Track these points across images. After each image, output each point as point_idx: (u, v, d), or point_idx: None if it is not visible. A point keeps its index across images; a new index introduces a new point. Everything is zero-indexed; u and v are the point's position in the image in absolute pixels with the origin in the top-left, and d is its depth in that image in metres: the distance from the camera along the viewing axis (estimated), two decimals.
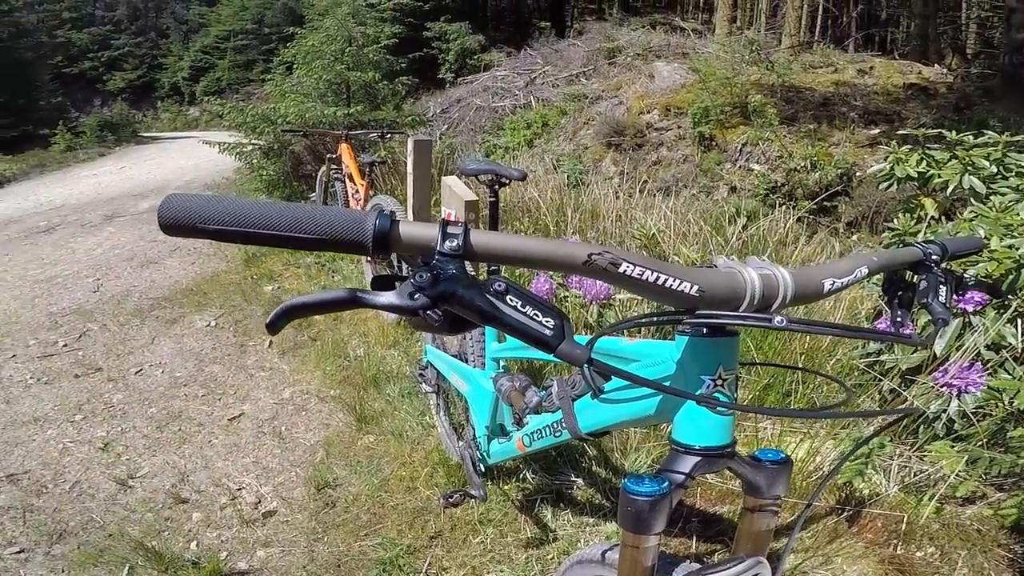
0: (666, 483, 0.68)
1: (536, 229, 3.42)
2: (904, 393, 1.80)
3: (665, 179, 5.43)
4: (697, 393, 0.68)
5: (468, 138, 8.03)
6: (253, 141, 5.86)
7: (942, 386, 1.61)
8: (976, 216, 1.98)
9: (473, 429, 1.59)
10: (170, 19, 37.23)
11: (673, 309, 0.63)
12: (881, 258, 0.74)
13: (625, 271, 0.56)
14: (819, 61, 7.69)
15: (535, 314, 0.53)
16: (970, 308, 1.71)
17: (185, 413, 2.40)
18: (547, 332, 0.54)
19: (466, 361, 1.67)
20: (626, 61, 8.74)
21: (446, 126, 8.82)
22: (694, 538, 1.59)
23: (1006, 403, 1.58)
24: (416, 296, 0.51)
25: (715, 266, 0.64)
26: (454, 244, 0.51)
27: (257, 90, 15.10)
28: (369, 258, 3.23)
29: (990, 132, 2.31)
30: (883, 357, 1.94)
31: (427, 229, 0.52)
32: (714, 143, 5.78)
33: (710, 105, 5.79)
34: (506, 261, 0.55)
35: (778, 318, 0.58)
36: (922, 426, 1.75)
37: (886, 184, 2.48)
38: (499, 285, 0.53)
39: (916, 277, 0.77)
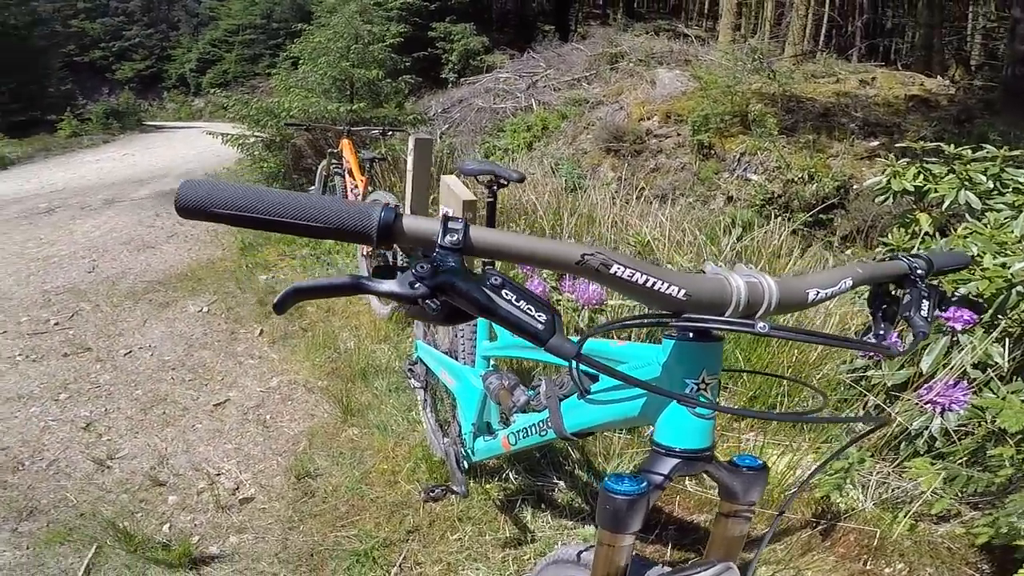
0: (645, 483, 0.69)
1: (532, 231, 3.42)
2: (888, 409, 1.80)
3: (662, 186, 5.43)
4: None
5: (468, 139, 8.03)
6: (256, 133, 5.89)
7: (926, 403, 1.59)
8: (970, 233, 1.98)
9: (459, 426, 1.58)
10: (181, 12, 37.42)
11: (661, 312, 0.64)
12: (866, 270, 0.75)
13: (616, 272, 0.58)
14: (821, 71, 7.67)
15: (528, 308, 0.55)
16: (958, 327, 1.68)
17: (171, 397, 2.40)
18: (539, 326, 0.55)
19: (456, 358, 1.67)
20: (628, 67, 8.73)
21: (447, 126, 8.82)
22: (669, 545, 1.59)
23: (988, 422, 1.57)
24: (416, 285, 0.53)
25: (703, 272, 0.65)
26: (454, 239, 0.53)
27: (262, 84, 15.11)
28: (365, 253, 3.23)
29: (989, 146, 2.30)
30: (869, 373, 1.93)
31: (429, 223, 0.54)
32: (713, 152, 5.78)
33: (710, 113, 5.78)
34: (503, 257, 0.57)
35: (760, 324, 0.59)
36: (903, 443, 1.75)
37: (882, 198, 2.48)
38: (496, 279, 0.55)
39: (900, 291, 0.78)
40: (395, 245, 0.56)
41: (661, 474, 0.70)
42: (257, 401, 2.39)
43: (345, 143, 3.68)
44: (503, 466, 1.89)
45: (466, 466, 1.56)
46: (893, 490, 1.68)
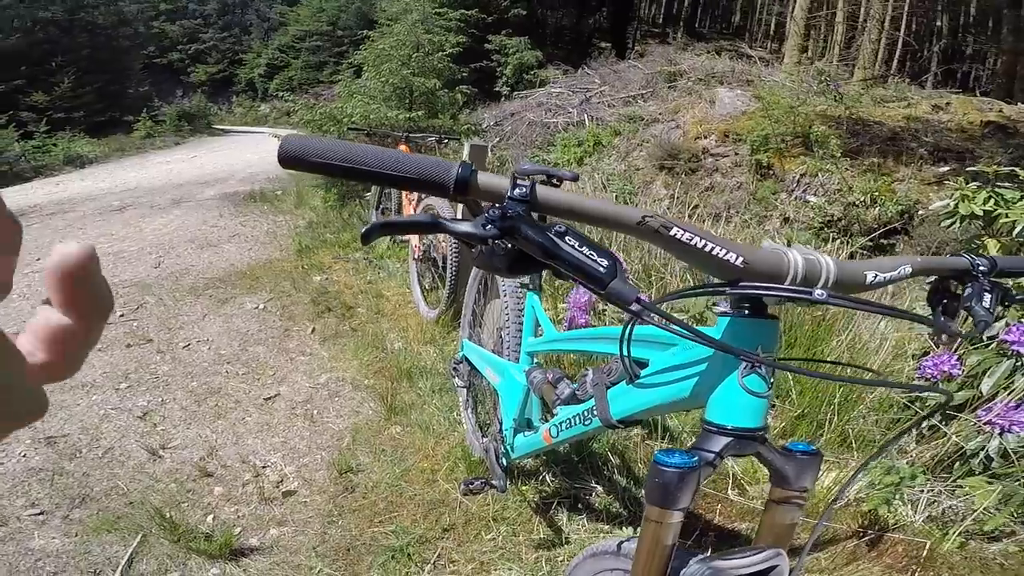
0: (695, 458, 0.70)
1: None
2: (944, 429, 1.74)
3: (717, 205, 5.33)
4: (734, 374, 0.69)
5: (519, 152, 8.09)
6: None
7: (985, 423, 1.59)
8: None
9: (500, 422, 1.60)
10: (254, 16, 39.04)
11: (720, 283, 0.66)
12: (926, 261, 0.74)
13: (675, 235, 0.61)
14: (892, 95, 7.42)
15: (591, 254, 0.58)
16: (1023, 350, 1.64)
17: (224, 389, 2.49)
18: (601, 270, 0.58)
19: (501, 355, 1.69)
20: (687, 85, 8.66)
21: (498, 138, 8.91)
22: (709, 551, 1.55)
23: None
24: (487, 227, 0.57)
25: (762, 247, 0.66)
26: (523, 191, 0.58)
27: (326, 91, 15.65)
28: (416, 256, 3.30)
29: None
30: (926, 394, 1.89)
31: (501, 179, 0.60)
32: (771, 172, 5.65)
33: (771, 133, 5.66)
34: (565, 214, 0.61)
35: (819, 291, 0.60)
36: (957, 462, 1.71)
37: (948, 222, 2.38)
38: (560, 227, 0.58)
39: (961, 287, 0.76)
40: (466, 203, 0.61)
41: (712, 451, 0.70)
42: (305, 396, 2.46)
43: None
44: (540, 468, 1.88)
45: (505, 463, 1.57)
46: (944, 509, 1.64)
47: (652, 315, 0.60)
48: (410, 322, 3.13)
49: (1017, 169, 2.31)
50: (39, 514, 1.73)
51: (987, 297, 0.73)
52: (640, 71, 10.26)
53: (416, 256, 3.31)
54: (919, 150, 5.57)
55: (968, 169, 2.77)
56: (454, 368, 2.00)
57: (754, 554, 0.72)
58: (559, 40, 15.30)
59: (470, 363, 1.91)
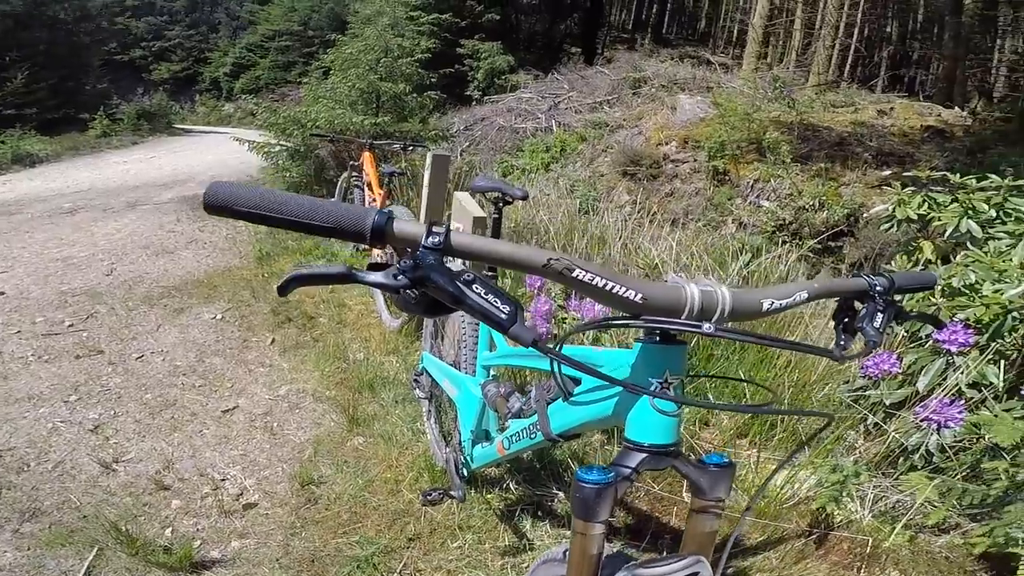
0: (612, 473, 0.76)
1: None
2: (885, 427, 1.83)
3: (675, 211, 5.46)
4: (645, 397, 0.76)
5: (488, 157, 8.13)
6: (282, 142, 6.00)
7: (922, 420, 1.67)
8: (972, 261, 2.00)
9: (459, 433, 1.63)
10: (223, 14, 38.10)
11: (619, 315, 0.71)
12: (823, 285, 0.81)
13: (577, 276, 0.66)
14: (842, 100, 7.73)
15: (495, 301, 0.63)
16: (954, 349, 1.75)
17: (180, 402, 2.45)
18: (503, 315, 0.63)
19: (459, 368, 1.72)
20: (650, 92, 8.83)
21: (468, 143, 8.94)
22: (664, 553, 1.60)
23: (985, 438, 1.64)
24: (399, 277, 0.61)
25: (666, 280, 0.72)
26: (436, 240, 0.61)
27: (292, 92, 15.41)
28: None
29: (994, 176, 2.32)
30: (868, 392, 1.99)
31: (416, 227, 0.63)
32: (727, 178, 5.81)
33: (727, 140, 5.83)
34: (478, 258, 0.66)
35: (707, 325, 0.67)
36: (901, 458, 1.80)
37: (887, 225, 2.50)
38: (468, 276, 0.63)
39: (861, 306, 0.83)
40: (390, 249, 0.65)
41: (629, 467, 0.77)
42: (265, 409, 2.43)
43: (366, 156, 3.75)
44: (503, 476, 1.91)
45: (465, 473, 1.60)
46: (892, 504, 1.72)
47: (564, 350, 0.67)
48: (373, 332, 3.12)
49: (948, 174, 2.44)
50: None
51: (879, 317, 0.80)
52: (607, 77, 10.41)
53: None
54: (864, 155, 5.82)
55: (904, 174, 2.91)
56: (415, 380, 2.01)
57: (676, 561, 0.77)
58: (531, 45, 15.40)
59: (430, 375, 1.93)
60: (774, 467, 0.90)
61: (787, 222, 5.05)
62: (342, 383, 2.60)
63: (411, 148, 4.17)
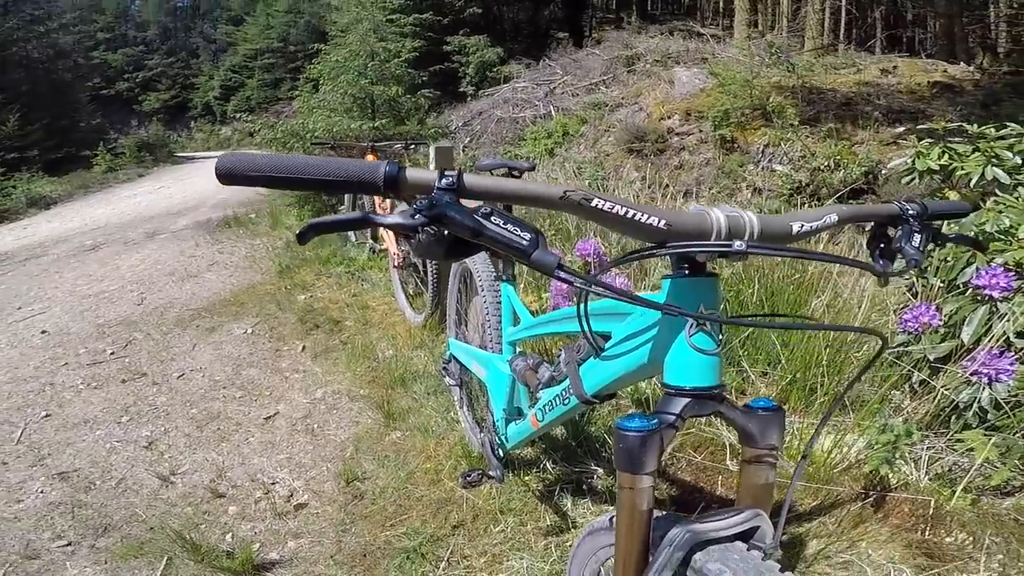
0: (655, 420, 0.72)
1: (557, 231, 3.48)
2: (932, 383, 1.76)
3: (687, 182, 5.45)
4: (681, 334, 0.72)
5: (490, 150, 8.15)
6: None
7: (972, 374, 1.55)
8: (1004, 207, 1.96)
9: (492, 415, 1.64)
10: (199, 38, 38.31)
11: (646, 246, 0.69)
12: (854, 209, 0.78)
13: (597, 205, 0.65)
14: (841, 63, 7.63)
15: (515, 229, 0.62)
16: (996, 295, 1.64)
17: (224, 413, 2.52)
18: (524, 243, 0.62)
19: (485, 349, 1.74)
20: (645, 68, 8.78)
21: (468, 138, 8.95)
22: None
23: None
24: (416, 216, 0.61)
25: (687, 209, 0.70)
26: (449, 181, 0.61)
27: (286, 107, 15.52)
28: (396, 264, 3.33)
29: (1013, 124, 2.29)
30: (910, 348, 1.88)
31: (429, 173, 0.63)
32: (736, 145, 5.78)
33: (730, 108, 5.79)
34: (492, 197, 0.65)
35: (738, 243, 0.64)
36: (953, 416, 1.70)
37: (908, 178, 2.48)
38: (486, 209, 0.62)
39: (896, 231, 0.80)
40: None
41: (673, 413, 0.73)
42: (304, 412, 2.49)
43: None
44: (539, 457, 1.94)
45: (502, 454, 1.61)
46: (949, 465, 1.63)
47: (596, 285, 0.65)
48: (398, 329, 3.17)
49: (964, 124, 2.41)
50: (67, 545, 1.77)
51: (916, 237, 0.77)
52: (599, 58, 10.36)
53: (396, 264, 3.34)
54: (873, 113, 5.74)
55: (920, 128, 2.88)
56: (444, 368, 2.04)
57: (734, 515, 0.73)
58: (518, 35, 15.33)
59: (458, 361, 1.95)
60: (822, 418, 0.82)
61: (804, 184, 5.00)
62: (374, 381, 2.65)
63: (413, 147, 4.20)
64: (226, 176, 0.60)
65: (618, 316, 0.90)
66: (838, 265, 2.49)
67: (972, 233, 1.89)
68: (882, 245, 0.81)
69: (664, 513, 0.78)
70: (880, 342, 0.77)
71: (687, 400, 0.73)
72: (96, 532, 1.83)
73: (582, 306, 0.77)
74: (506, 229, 0.62)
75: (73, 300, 4.23)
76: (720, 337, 0.74)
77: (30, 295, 4.50)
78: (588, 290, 0.67)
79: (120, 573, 1.66)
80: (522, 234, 0.62)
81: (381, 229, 3.57)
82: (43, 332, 3.61)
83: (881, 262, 0.80)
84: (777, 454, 0.77)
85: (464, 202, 0.63)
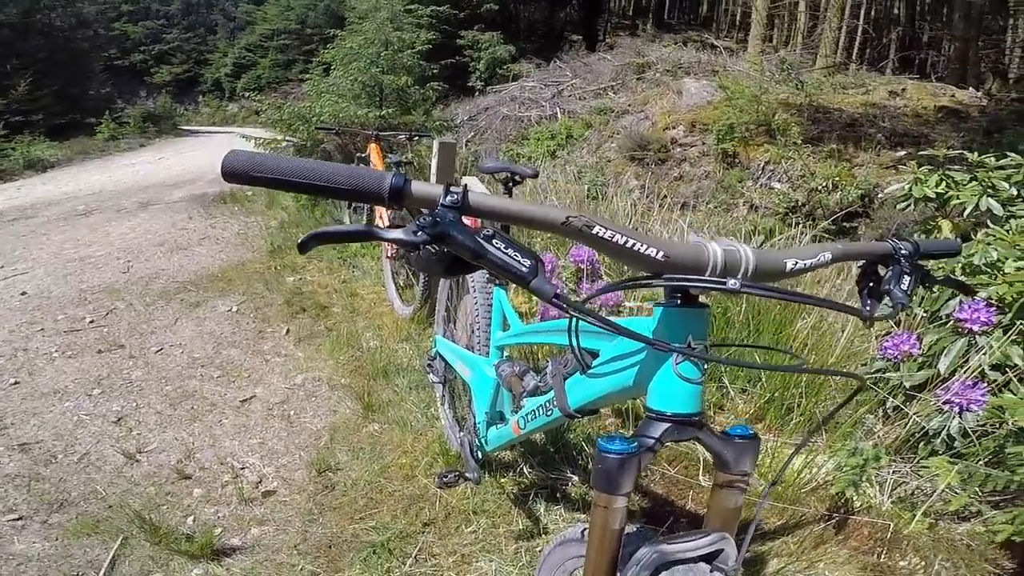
0: (635, 444, 0.73)
1: (551, 236, 3.46)
2: (905, 410, 1.80)
3: (685, 194, 5.44)
4: (668, 362, 0.73)
5: (493, 146, 8.13)
6: (288, 138, 6.03)
7: (944, 403, 1.62)
8: (993, 239, 1.97)
9: (474, 417, 1.63)
10: (219, 15, 38.32)
11: (641, 275, 0.69)
12: (847, 247, 0.79)
13: (598, 233, 0.65)
14: (851, 82, 7.63)
15: (515, 255, 0.62)
16: (976, 328, 1.70)
17: (199, 392, 2.48)
18: (524, 269, 0.62)
19: (472, 350, 1.72)
20: (655, 77, 8.77)
21: (472, 133, 8.93)
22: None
23: (1009, 422, 1.58)
24: (419, 233, 0.60)
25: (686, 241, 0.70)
26: (454, 198, 0.61)
27: (294, 89, 15.44)
28: (389, 255, 3.31)
29: (1013, 154, 2.28)
30: (888, 375, 1.93)
31: (433, 188, 0.63)
32: (737, 160, 5.78)
33: (735, 122, 5.78)
34: (496, 217, 0.65)
35: (732, 281, 0.64)
36: (922, 442, 1.75)
37: (904, 204, 2.47)
38: (488, 231, 0.62)
39: (885, 270, 0.81)
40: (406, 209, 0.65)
41: (652, 437, 0.74)
42: (282, 397, 2.46)
43: (373, 147, 3.76)
44: (517, 460, 1.91)
45: (480, 456, 1.60)
46: (911, 490, 1.68)
47: (583, 310, 0.65)
48: (385, 320, 3.14)
49: (966, 152, 2.40)
50: (18, 519, 1.72)
51: (906, 280, 0.78)
52: (610, 63, 10.34)
53: (389, 254, 3.32)
54: (877, 135, 5.74)
55: (921, 153, 2.87)
56: (429, 364, 2.02)
57: (700, 537, 0.76)
58: (531, 34, 15.31)
59: (444, 359, 1.93)
60: (796, 444, 0.86)
61: (800, 203, 5.00)
62: (356, 371, 2.62)
63: (417, 139, 4.18)
64: (231, 174, 0.60)
65: (607, 335, 0.91)
66: (825, 289, 2.50)
67: (960, 265, 1.92)
68: (871, 284, 0.82)
69: (635, 529, 0.81)
70: (858, 385, 0.81)
71: (668, 425, 0.75)
72: (51, 507, 1.78)
73: (573, 323, 0.76)
74: (507, 254, 0.62)
75: (58, 263, 4.17)
76: (705, 367, 0.75)
77: (14, 255, 4.42)
78: (582, 319, 0.67)
79: (71, 550, 1.61)
80: (522, 260, 0.62)
81: (377, 217, 3.56)
82: (23, 293, 3.55)
83: (869, 302, 0.81)
84: (748, 480, 0.79)
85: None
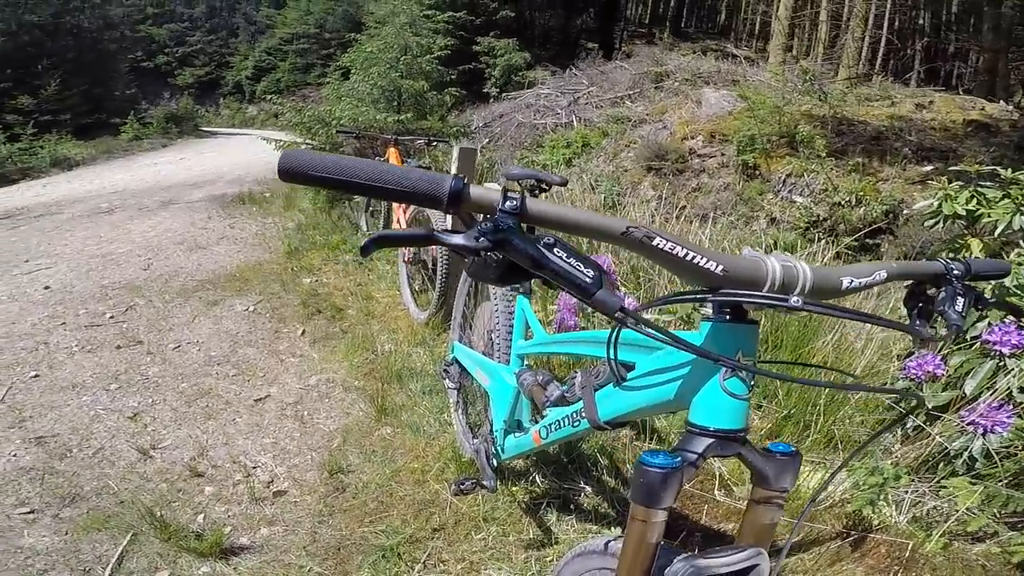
0: (678, 459, 0.72)
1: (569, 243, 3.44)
2: (928, 429, 1.76)
3: (704, 206, 5.39)
4: (715, 377, 0.71)
5: (508, 153, 8.13)
6: (307, 141, 6.08)
7: (968, 424, 1.59)
8: None
9: (491, 424, 1.62)
10: (241, 19, 38.98)
11: (700, 289, 0.68)
12: (902, 266, 0.77)
13: (658, 245, 0.63)
14: (876, 94, 7.52)
15: (578, 265, 0.61)
16: (1007, 351, 1.65)
17: (214, 391, 2.49)
18: (587, 280, 0.60)
19: (491, 357, 1.71)
20: (673, 86, 8.72)
21: (487, 140, 8.94)
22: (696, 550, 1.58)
23: None
24: (480, 239, 0.59)
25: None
26: (513, 204, 0.60)
27: (313, 93, 15.61)
28: (406, 259, 3.32)
29: None
30: (911, 395, 1.90)
31: (492, 192, 0.61)
32: (757, 172, 5.71)
33: (756, 133, 5.72)
34: (554, 225, 0.63)
35: (794, 299, 0.63)
36: (942, 463, 1.72)
37: (932, 222, 2.41)
38: (549, 239, 0.61)
39: (936, 291, 0.79)
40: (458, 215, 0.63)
41: (695, 452, 0.72)
42: (296, 398, 2.46)
43: (392, 152, 3.79)
44: (530, 468, 1.90)
45: (496, 463, 1.59)
46: (928, 510, 1.66)
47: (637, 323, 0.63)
48: (400, 324, 3.14)
49: (999, 168, 2.34)
50: (29, 512, 1.73)
51: (959, 301, 0.75)
52: (627, 72, 10.31)
53: (406, 258, 3.32)
54: (903, 149, 5.65)
55: (951, 168, 2.81)
56: (444, 370, 2.01)
57: (735, 553, 0.74)
58: (547, 41, 15.33)
59: (460, 365, 1.92)
60: (839, 464, 0.86)
61: (822, 218, 4.92)
62: (370, 373, 2.62)
63: (435, 144, 4.20)
64: (287, 173, 0.59)
65: (645, 348, 0.90)
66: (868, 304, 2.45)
67: (1012, 285, 1.87)
68: (920, 304, 0.79)
69: (667, 545, 0.79)
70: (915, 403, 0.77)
71: (711, 440, 0.73)
72: (63, 501, 1.79)
73: (614, 334, 0.75)
74: (568, 263, 0.60)
75: (80, 259, 4.24)
76: (752, 382, 0.73)
77: (39, 250, 4.51)
78: (649, 336, 0.65)
79: (80, 545, 1.62)
80: (585, 270, 0.60)
81: (395, 219, 3.57)
82: (46, 287, 3.61)
83: (919, 322, 0.79)
84: (786, 496, 0.77)
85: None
